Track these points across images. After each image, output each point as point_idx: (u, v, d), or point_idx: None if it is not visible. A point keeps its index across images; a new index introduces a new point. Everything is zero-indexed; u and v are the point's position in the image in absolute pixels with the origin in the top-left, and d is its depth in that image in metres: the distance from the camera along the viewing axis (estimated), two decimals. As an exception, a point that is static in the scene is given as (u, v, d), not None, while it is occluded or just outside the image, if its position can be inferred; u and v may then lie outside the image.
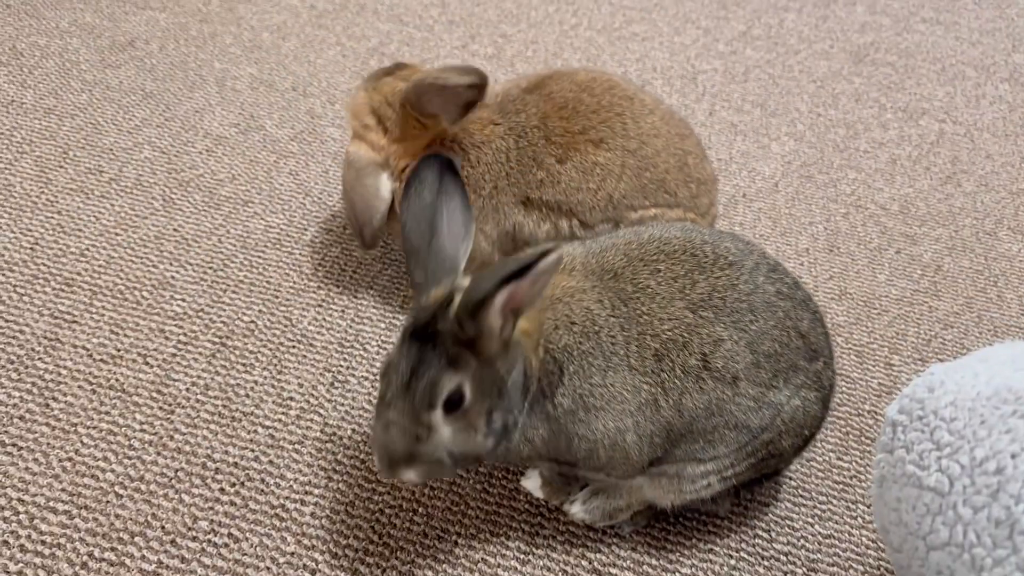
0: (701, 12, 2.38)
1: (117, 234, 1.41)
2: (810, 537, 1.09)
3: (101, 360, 1.20)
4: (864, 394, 1.28)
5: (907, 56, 2.27)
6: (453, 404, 0.85)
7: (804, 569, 1.05)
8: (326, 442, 1.13)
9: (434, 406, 0.84)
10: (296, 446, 1.12)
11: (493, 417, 0.88)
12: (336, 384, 1.21)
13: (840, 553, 1.07)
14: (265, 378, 1.20)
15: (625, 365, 0.92)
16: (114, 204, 1.47)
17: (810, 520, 1.11)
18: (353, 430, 1.15)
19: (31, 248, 1.37)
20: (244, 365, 1.22)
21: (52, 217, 1.43)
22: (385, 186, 1.22)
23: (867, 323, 1.41)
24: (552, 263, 0.78)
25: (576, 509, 1.07)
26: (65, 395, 1.15)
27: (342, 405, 1.18)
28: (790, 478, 1.16)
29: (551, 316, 0.93)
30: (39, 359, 1.19)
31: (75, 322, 1.25)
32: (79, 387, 1.16)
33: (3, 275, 1.31)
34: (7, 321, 1.24)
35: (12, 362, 1.19)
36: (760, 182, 1.72)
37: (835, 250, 1.56)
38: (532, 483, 1.10)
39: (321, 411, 1.17)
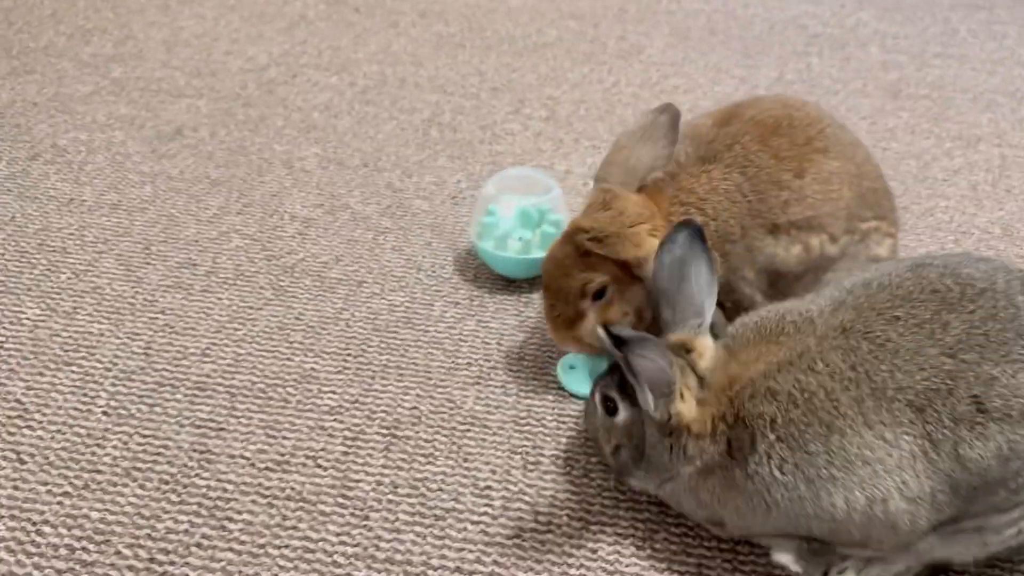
0: (730, 62, 2.39)
1: (236, 329, 1.28)
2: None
3: (267, 468, 1.06)
4: None
5: (938, 88, 2.31)
6: (608, 407, 0.99)
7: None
8: (544, 532, 1.01)
9: (596, 390, 1.01)
10: (515, 540, 1.00)
11: (620, 451, 0.99)
12: (529, 467, 1.09)
13: None
14: (453, 468, 1.08)
15: (862, 425, 0.84)
16: (221, 298, 1.34)
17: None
18: (567, 515, 1.03)
19: (144, 353, 1.22)
20: (425, 456, 1.10)
21: (157, 318, 1.29)
22: None
23: None
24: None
25: None
26: (240, 512, 1.01)
27: (545, 489, 1.06)
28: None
29: (747, 389, 0.89)
30: (196, 475, 1.05)
31: (222, 429, 1.11)
32: (252, 501, 1.02)
33: (124, 385, 1.17)
34: (145, 436, 1.09)
35: (166, 482, 1.04)
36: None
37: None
38: (786, 557, 0.99)
39: (526, 498, 1.05)
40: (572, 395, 1.20)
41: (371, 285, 1.40)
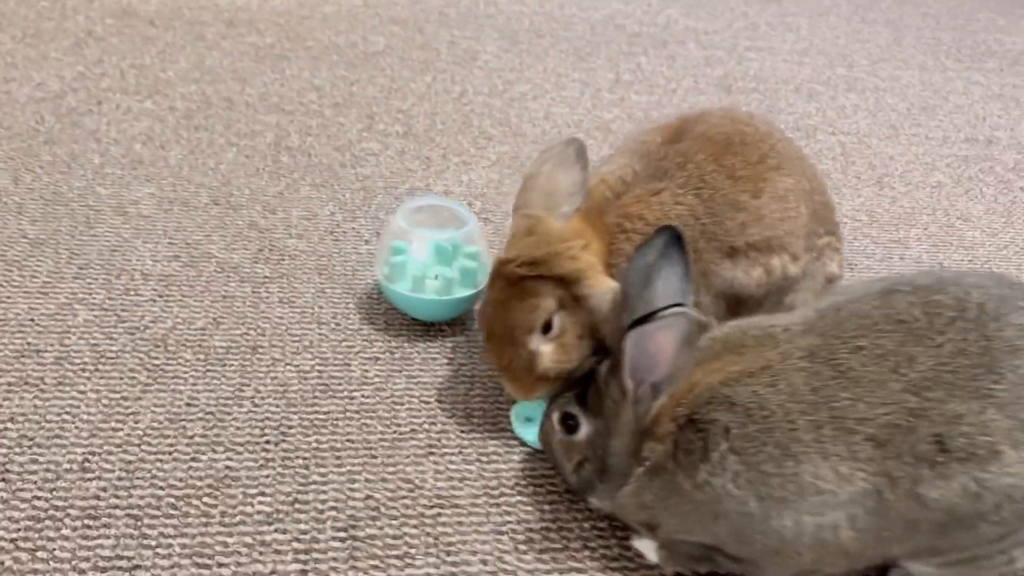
0: (566, 65, 2.33)
1: (114, 429, 1.02)
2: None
3: (212, 610, 0.84)
4: None
5: (762, 81, 2.39)
6: (568, 424, 0.94)
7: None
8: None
9: (555, 409, 0.96)
10: None
11: (584, 467, 0.93)
12: (520, 547, 0.95)
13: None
14: (437, 567, 0.91)
15: (816, 453, 0.81)
16: (85, 391, 1.07)
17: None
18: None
19: (2, 479, 0.94)
20: (399, 559, 0.92)
21: (5, 431, 1.00)
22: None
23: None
24: (677, 315, 0.81)
25: None
26: None
27: (547, 572, 0.92)
28: None
29: (704, 394, 0.85)
30: (117, 637, 0.80)
31: (136, 568, 0.87)
32: (204, 659, 0.80)
33: (-18, 530, 0.88)
34: (30, 596, 0.83)
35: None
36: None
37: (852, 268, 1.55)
38: (646, 545, 0.94)
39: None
40: (534, 448, 1.07)
41: (268, 350, 1.18)
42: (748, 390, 0.83)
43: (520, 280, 1.00)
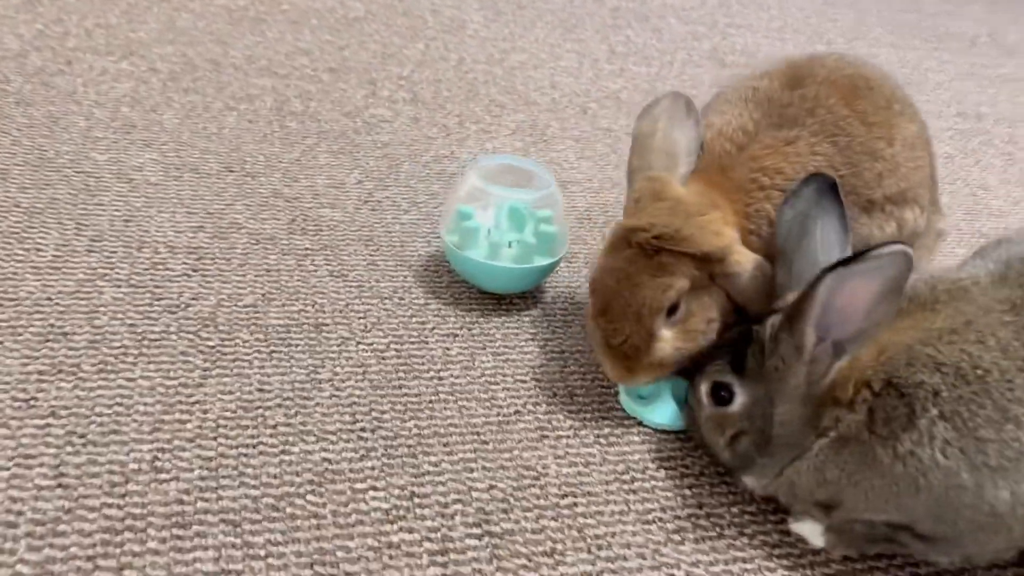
0: (557, 35, 2.23)
1: (181, 421, 0.86)
2: None
3: None
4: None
5: (751, 56, 2.35)
6: (720, 396, 0.85)
7: None
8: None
9: (704, 381, 0.87)
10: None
11: (740, 440, 0.84)
12: (674, 536, 0.84)
13: None
14: (591, 563, 0.79)
15: None
16: (133, 379, 0.90)
17: None
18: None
19: (63, 496, 0.77)
20: (548, 555, 0.79)
21: (46, 432, 0.83)
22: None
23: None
24: (897, 254, 0.72)
25: None
26: None
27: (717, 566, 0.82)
28: None
29: (901, 355, 0.77)
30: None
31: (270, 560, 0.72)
32: None
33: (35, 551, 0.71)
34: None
35: None
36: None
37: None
38: (809, 528, 0.85)
39: (695, 580, 0.80)
40: (658, 429, 0.96)
41: (333, 328, 1.03)
42: (955, 348, 0.75)
43: (655, 253, 0.89)
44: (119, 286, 1.03)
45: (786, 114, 0.98)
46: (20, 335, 0.93)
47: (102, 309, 0.99)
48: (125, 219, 1.15)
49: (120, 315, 0.98)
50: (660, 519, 0.85)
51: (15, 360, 0.89)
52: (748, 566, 0.82)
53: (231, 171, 1.31)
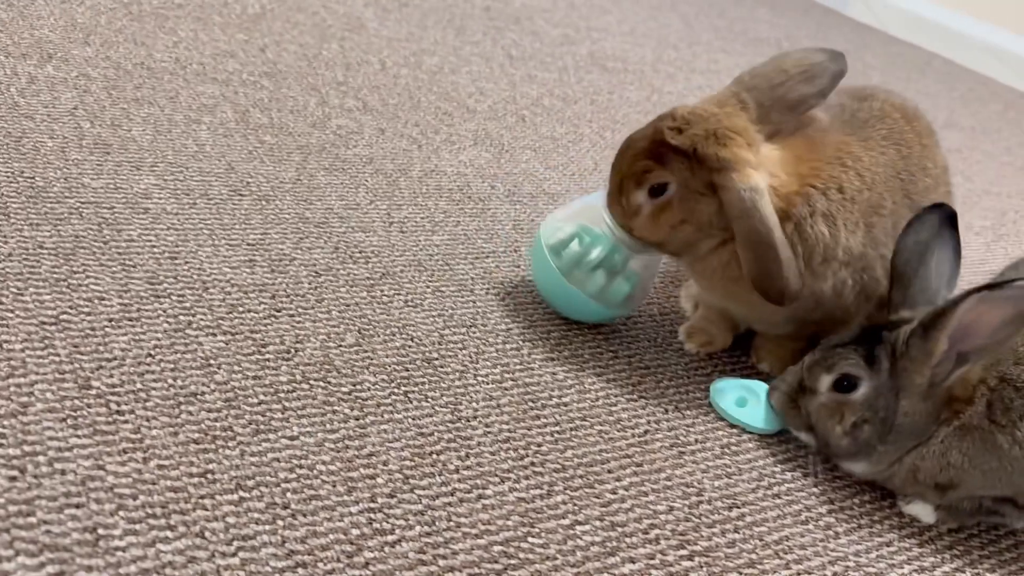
0: (459, 40, 2.23)
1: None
2: None
3: None
4: None
5: (624, 62, 2.49)
6: (843, 385, 0.95)
7: None
8: None
9: (831, 371, 0.96)
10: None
11: (861, 428, 0.94)
12: (820, 471, 0.94)
13: None
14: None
15: None
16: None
17: None
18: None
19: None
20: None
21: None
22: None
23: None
24: None
25: None
26: None
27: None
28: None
29: (1010, 356, 0.93)
30: None
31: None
32: None
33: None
34: None
35: None
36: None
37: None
38: (920, 508, 1.00)
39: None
40: (754, 432, 1.05)
41: (444, 362, 1.01)
42: None
43: (663, 140, 0.99)
44: (213, 334, 0.94)
45: (857, 118, 1.09)
46: (147, 400, 0.83)
47: (213, 363, 0.90)
48: (169, 256, 1.04)
49: (236, 367, 0.90)
50: (810, 518, 0.95)
51: (161, 431, 0.80)
52: (891, 548, 0.94)
53: (240, 195, 1.22)
